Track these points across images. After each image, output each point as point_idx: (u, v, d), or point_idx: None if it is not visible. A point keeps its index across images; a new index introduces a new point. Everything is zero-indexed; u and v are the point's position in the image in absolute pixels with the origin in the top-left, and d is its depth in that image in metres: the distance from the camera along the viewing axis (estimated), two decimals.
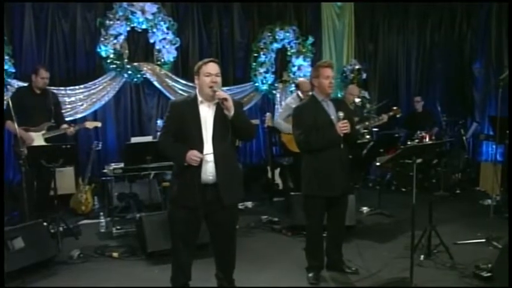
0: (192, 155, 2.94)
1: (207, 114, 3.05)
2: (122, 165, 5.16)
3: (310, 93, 3.91)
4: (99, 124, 5.62)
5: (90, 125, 5.48)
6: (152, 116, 6.92)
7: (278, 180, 6.73)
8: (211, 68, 3.04)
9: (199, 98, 3.08)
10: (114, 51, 6.41)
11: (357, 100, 5.93)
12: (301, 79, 6.55)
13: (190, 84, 6.61)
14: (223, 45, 7.47)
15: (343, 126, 3.53)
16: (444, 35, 8.64)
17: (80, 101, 6.36)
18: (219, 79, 3.05)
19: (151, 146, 4.82)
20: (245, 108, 7.38)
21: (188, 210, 3.03)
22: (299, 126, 3.67)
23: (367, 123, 5.64)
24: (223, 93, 2.98)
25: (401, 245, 4.52)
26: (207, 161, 2.98)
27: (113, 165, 5.24)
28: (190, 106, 3.06)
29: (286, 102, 6.07)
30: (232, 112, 2.96)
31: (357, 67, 8.06)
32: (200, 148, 2.98)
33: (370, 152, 5.48)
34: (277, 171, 6.72)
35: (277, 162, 6.63)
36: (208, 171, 2.99)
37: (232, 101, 3.00)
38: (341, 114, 3.56)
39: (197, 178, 2.98)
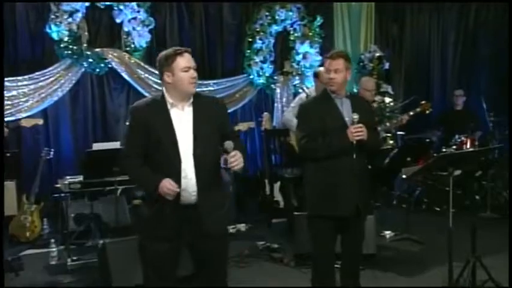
0: (165, 187, 2.89)
1: (182, 120, 2.99)
2: (80, 178, 5.16)
3: None
4: (40, 121, 5.56)
5: (27, 123, 5.43)
6: (120, 116, 6.94)
7: (278, 196, 6.71)
8: (189, 59, 2.97)
9: (170, 100, 3.01)
10: (69, 33, 6.38)
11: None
12: (322, 68, 6.53)
13: None
14: (209, 27, 7.50)
15: (355, 132, 3.51)
16: (493, 12, 8.61)
17: (23, 96, 6.25)
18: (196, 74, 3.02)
19: (119, 154, 4.78)
20: (238, 107, 7.48)
21: (164, 242, 3.00)
22: (304, 129, 3.71)
23: (386, 124, 5.64)
24: (235, 159, 2.89)
25: (436, 280, 4.46)
26: (187, 177, 2.95)
27: (69, 179, 5.23)
28: (159, 112, 2.99)
29: (300, 96, 6.09)
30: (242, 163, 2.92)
31: (377, 55, 8.11)
32: (178, 166, 2.94)
33: (394, 161, 5.48)
34: (277, 185, 6.72)
35: (277, 174, 6.62)
36: (191, 189, 2.96)
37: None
38: (355, 116, 3.55)
39: (173, 203, 2.93)
